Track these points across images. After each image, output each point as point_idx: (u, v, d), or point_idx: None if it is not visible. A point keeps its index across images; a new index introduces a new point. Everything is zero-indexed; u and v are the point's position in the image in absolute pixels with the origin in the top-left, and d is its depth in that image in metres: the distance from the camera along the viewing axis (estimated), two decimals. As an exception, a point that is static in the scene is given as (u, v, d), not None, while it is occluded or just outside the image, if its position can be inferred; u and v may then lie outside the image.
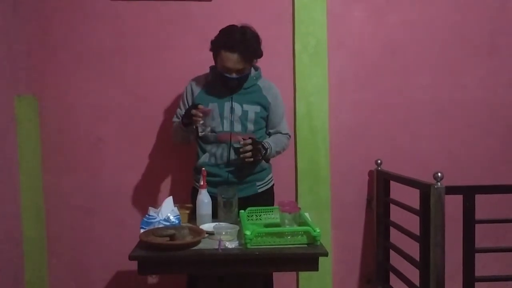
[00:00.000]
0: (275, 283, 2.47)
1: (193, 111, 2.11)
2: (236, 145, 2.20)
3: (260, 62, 2.39)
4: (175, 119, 2.36)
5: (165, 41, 2.68)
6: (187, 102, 2.32)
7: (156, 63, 2.69)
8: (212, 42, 2.19)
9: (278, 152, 2.34)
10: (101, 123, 2.69)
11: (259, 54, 2.23)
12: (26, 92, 2.59)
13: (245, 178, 2.27)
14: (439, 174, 2.02)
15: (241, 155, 2.14)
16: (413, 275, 2.34)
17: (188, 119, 2.15)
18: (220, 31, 2.20)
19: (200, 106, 2.13)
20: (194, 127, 2.17)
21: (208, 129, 2.17)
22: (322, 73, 2.72)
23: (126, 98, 2.69)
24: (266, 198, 2.33)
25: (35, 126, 2.64)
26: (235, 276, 1.84)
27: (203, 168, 2.11)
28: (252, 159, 2.14)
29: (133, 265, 2.66)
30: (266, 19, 2.70)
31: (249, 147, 2.13)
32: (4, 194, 2.35)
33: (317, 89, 2.72)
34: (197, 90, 2.31)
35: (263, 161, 2.31)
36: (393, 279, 2.64)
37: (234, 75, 2.19)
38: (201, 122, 2.13)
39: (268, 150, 2.23)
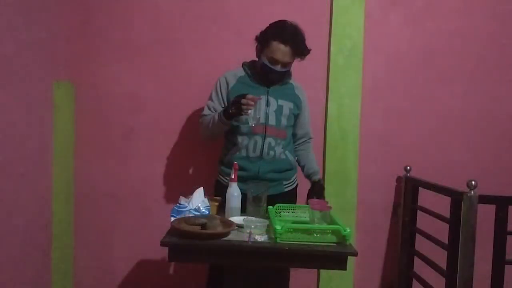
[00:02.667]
0: (295, 282, 2.48)
1: (244, 100, 2.06)
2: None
3: (294, 62, 2.41)
4: (206, 112, 2.31)
5: (202, 35, 2.72)
6: (221, 94, 2.29)
7: (192, 57, 2.72)
8: (263, 33, 2.21)
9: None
10: (135, 113, 2.74)
11: (307, 52, 2.24)
12: (64, 78, 2.65)
13: (274, 173, 2.28)
14: (473, 182, 2.00)
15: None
16: (437, 283, 2.32)
17: (237, 109, 2.09)
18: (271, 24, 2.21)
19: (249, 96, 2.08)
20: (243, 117, 2.13)
21: (258, 117, 2.16)
22: (356, 76, 2.72)
23: (160, 90, 2.73)
24: (290, 198, 2.34)
25: (71, 112, 2.70)
26: (260, 271, 1.85)
27: (235, 162, 2.11)
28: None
29: (156, 254, 2.73)
30: (303, 19, 2.67)
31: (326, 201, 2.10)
32: (37, 176, 2.41)
33: (350, 91, 2.72)
34: (231, 82, 2.29)
35: (291, 161, 2.33)
36: (416, 286, 2.61)
37: (279, 68, 2.20)
38: (250, 111, 2.08)
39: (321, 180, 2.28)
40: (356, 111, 2.73)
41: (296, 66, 2.42)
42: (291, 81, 2.36)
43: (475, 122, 2.81)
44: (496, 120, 2.82)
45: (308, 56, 2.65)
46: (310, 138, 2.43)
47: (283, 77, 2.28)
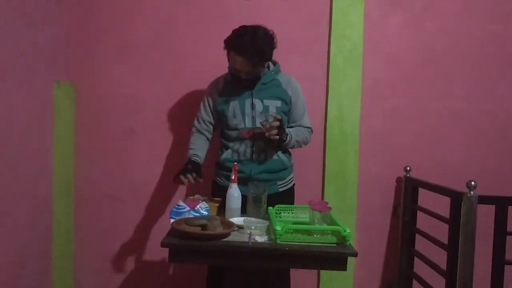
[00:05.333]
0: (295, 283, 2.48)
1: (181, 177, 2.10)
2: (263, 122, 2.16)
3: (294, 62, 2.42)
4: (196, 124, 2.38)
5: (202, 37, 2.71)
6: (209, 104, 2.34)
7: (192, 58, 2.72)
8: (224, 41, 2.16)
9: (297, 142, 2.29)
10: (135, 114, 2.74)
11: (268, 58, 2.20)
12: (64, 79, 2.65)
13: (266, 174, 2.27)
14: (473, 182, 2.01)
15: (266, 133, 2.11)
16: (437, 284, 2.32)
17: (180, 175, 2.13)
18: (232, 31, 2.17)
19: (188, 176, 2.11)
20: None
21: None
22: (356, 77, 2.71)
23: (160, 90, 2.73)
24: (285, 198, 2.33)
25: (71, 113, 2.70)
26: (260, 272, 1.86)
27: (235, 163, 2.12)
28: (277, 136, 2.12)
29: (156, 254, 2.74)
30: (303, 20, 2.72)
31: (276, 123, 2.10)
32: (37, 176, 2.41)
33: (350, 92, 2.72)
34: (217, 91, 2.32)
35: (284, 161, 2.32)
36: (416, 286, 2.61)
37: (244, 76, 2.19)
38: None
39: (289, 136, 2.21)
40: (356, 111, 2.73)
41: (296, 66, 2.43)
42: (277, 77, 2.30)
43: (475, 122, 2.81)
44: (496, 120, 2.81)
45: (308, 57, 2.70)
46: (307, 127, 2.34)
47: (257, 80, 2.24)
